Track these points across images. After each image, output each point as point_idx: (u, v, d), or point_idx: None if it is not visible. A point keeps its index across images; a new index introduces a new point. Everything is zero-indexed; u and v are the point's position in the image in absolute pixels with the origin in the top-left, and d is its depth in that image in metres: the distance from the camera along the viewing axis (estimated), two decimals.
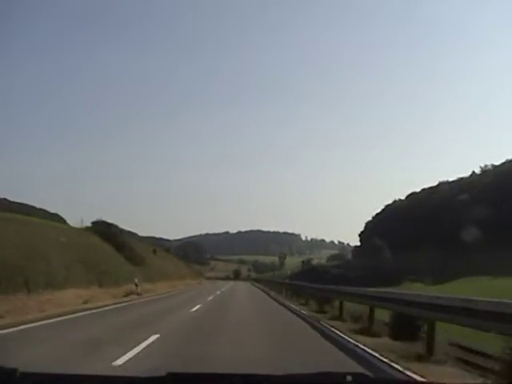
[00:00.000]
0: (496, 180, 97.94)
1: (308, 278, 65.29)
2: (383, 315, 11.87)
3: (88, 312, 17.36)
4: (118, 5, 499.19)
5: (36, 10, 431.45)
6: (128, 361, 7.32)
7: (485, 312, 6.39)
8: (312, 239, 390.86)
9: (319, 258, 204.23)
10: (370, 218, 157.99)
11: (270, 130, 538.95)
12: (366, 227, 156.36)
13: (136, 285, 28.28)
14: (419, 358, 8.00)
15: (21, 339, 10.15)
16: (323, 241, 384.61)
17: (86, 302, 20.57)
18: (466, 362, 7.87)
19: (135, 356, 7.80)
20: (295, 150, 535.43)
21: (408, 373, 6.85)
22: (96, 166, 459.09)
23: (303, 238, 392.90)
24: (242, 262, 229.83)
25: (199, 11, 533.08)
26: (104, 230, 35.26)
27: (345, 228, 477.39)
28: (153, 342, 9.44)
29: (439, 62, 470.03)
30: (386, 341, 10.20)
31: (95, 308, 19.18)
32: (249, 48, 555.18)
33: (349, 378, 2.07)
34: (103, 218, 39.96)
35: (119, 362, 7.22)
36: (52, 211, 56.10)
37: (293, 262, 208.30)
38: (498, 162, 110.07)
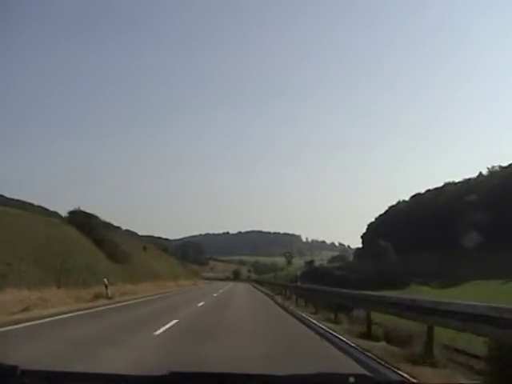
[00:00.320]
0: (504, 181, 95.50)
1: (311, 280, 62.59)
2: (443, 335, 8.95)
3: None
4: (117, 4, 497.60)
5: (35, 10, 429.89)
6: None
7: None
8: (313, 240, 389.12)
9: (320, 260, 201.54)
10: (373, 220, 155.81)
11: (270, 130, 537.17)
12: (368, 229, 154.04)
13: (106, 286, 23.79)
14: None
15: None
16: (324, 242, 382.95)
17: (25, 310, 15.51)
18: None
19: None
20: (296, 150, 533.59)
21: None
22: (96, 165, 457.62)
23: (304, 239, 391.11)
24: (241, 262, 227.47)
25: (200, 10, 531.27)
26: (82, 222, 30.53)
27: (346, 230, 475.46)
28: None
29: (442, 62, 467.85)
30: None
31: (27, 321, 13.07)
32: (249, 47, 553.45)
33: (351, 379, 2.00)
34: (83, 208, 34.60)
35: None
36: (51, 209, 54.27)
37: (294, 263, 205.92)
38: (505, 163, 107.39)
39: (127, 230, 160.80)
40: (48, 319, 13.99)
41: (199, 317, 16.97)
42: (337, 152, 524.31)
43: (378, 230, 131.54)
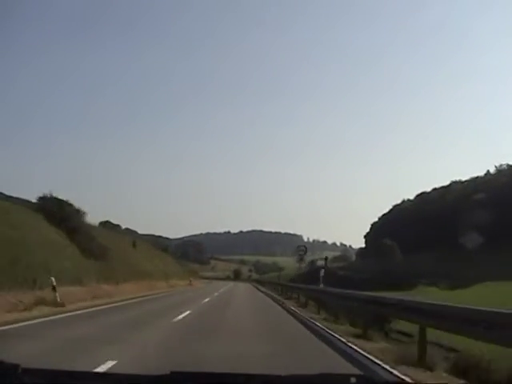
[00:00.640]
0: None
1: (315, 281, 59.85)
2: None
3: None
4: (117, 4, 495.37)
5: (36, 10, 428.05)
6: None
7: None
8: (314, 240, 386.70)
9: (322, 260, 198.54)
10: (376, 219, 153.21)
11: (271, 130, 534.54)
12: (371, 228, 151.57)
13: (53, 288, 16.90)
14: None
15: None
16: (325, 242, 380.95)
17: None
18: None
19: None
20: (297, 150, 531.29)
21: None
22: (96, 165, 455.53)
23: (305, 239, 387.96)
24: (242, 262, 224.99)
25: (199, 10, 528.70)
26: (53, 209, 25.72)
27: (347, 229, 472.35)
28: None
29: (443, 61, 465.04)
30: None
31: None
32: (249, 47, 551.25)
33: (353, 379, 2.01)
34: (55, 194, 28.88)
35: None
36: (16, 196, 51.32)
37: (294, 263, 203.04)
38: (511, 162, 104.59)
39: (127, 229, 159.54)
40: None
41: (165, 347, 9.10)
42: (338, 151, 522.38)
43: (382, 230, 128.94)
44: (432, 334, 8.29)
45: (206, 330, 12.38)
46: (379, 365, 7.69)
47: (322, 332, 12.46)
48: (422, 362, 7.56)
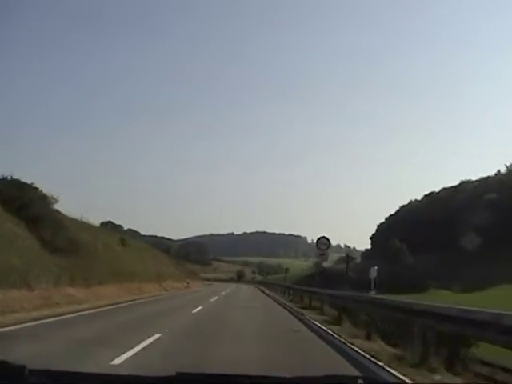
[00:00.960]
0: None
1: (321, 283, 56.80)
2: None
3: None
4: (122, 3, 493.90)
5: (41, 8, 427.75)
6: None
7: None
8: None
9: (326, 261, 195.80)
10: (383, 220, 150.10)
11: (276, 131, 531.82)
12: (377, 229, 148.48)
13: None
14: None
15: None
16: None
17: None
18: None
19: None
20: (302, 151, 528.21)
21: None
22: (100, 165, 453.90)
23: (309, 241, 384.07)
24: (246, 263, 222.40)
25: (206, 10, 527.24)
26: (11, 193, 21.38)
27: (351, 231, 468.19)
28: None
29: (450, 61, 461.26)
30: None
31: None
32: (254, 49, 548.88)
33: (360, 381, 1.97)
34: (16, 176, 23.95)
35: None
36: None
37: (299, 264, 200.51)
38: None
39: (130, 229, 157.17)
40: None
41: None
42: (342, 153, 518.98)
43: (389, 231, 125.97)
44: None
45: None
46: None
47: None
48: None
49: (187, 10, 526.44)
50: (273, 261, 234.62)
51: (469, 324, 6.05)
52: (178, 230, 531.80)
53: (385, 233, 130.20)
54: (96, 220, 47.39)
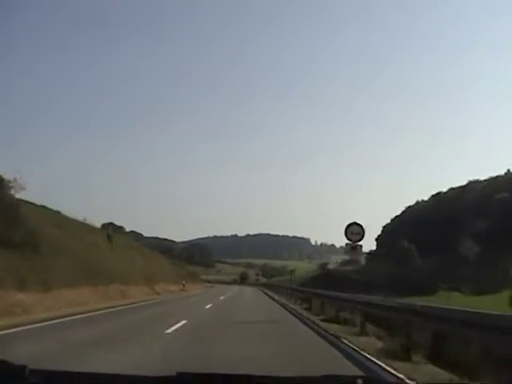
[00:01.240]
0: None
1: (328, 285, 54.99)
2: None
3: None
4: (128, 4, 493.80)
5: (45, 9, 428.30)
6: None
7: None
8: (322, 244, 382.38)
9: (335, 263, 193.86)
10: (388, 221, 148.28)
11: (280, 133, 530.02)
12: (383, 230, 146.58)
13: None
14: None
15: None
16: (333, 245, 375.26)
17: None
18: None
19: None
20: (305, 153, 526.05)
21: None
22: (103, 167, 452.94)
23: (312, 243, 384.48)
24: (250, 265, 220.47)
25: (211, 11, 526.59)
26: None
27: None
28: None
29: (458, 59, 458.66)
30: None
31: None
32: (259, 50, 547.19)
33: (359, 381, 1.97)
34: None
35: None
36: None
37: (303, 266, 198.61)
38: None
39: (132, 231, 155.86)
40: None
41: None
42: (347, 155, 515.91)
43: (394, 232, 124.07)
44: None
45: None
46: None
47: None
48: None
49: (191, 12, 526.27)
50: (277, 263, 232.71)
51: None
52: (181, 232, 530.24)
53: (390, 234, 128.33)
54: (98, 221, 45.38)
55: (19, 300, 14.65)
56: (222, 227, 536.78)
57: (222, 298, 34.48)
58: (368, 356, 8.76)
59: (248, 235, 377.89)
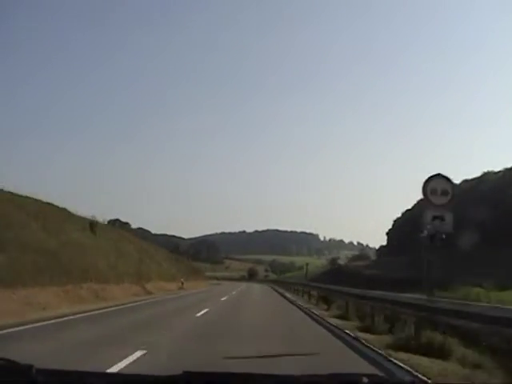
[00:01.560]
0: None
1: (340, 281, 51.76)
2: None
3: None
4: (134, 4, 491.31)
5: (48, 10, 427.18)
6: None
7: None
8: (331, 239, 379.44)
9: (345, 258, 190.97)
10: (399, 215, 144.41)
11: (288, 128, 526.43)
12: (394, 225, 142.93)
13: None
14: None
15: None
16: (342, 241, 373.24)
17: None
18: None
19: None
20: (313, 149, 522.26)
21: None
22: (112, 164, 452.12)
23: (321, 239, 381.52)
24: (258, 261, 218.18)
25: (216, 9, 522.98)
26: None
27: (364, 228, 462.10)
28: None
29: (468, 55, 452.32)
30: None
31: None
32: (267, 47, 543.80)
33: (365, 379, 1.97)
34: None
35: None
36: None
37: (313, 262, 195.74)
38: None
39: (140, 228, 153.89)
40: None
41: None
42: (355, 150, 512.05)
43: (406, 226, 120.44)
44: None
45: None
46: None
47: None
48: None
49: (198, 10, 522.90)
50: (285, 259, 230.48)
51: None
52: (189, 228, 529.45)
53: (402, 228, 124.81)
54: (105, 218, 41.58)
55: None
56: (230, 223, 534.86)
57: (223, 298, 27.94)
58: None
59: (256, 231, 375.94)
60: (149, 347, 8.18)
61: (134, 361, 7.14)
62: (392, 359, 8.04)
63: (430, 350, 8.35)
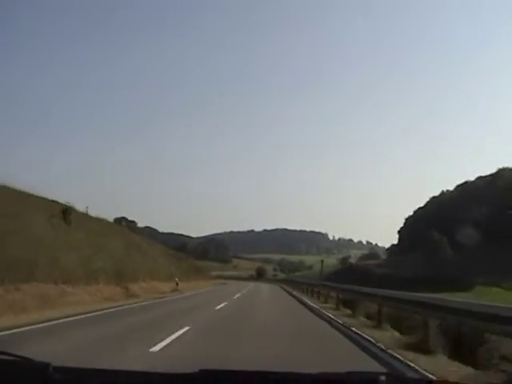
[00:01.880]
0: None
1: (352, 280, 49.77)
2: None
3: None
4: (136, 5, 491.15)
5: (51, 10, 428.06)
6: None
7: None
8: (340, 238, 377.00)
9: (356, 257, 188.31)
10: (411, 213, 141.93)
11: (296, 128, 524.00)
12: (405, 223, 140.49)
13: None
14: None
15: None
16: (351, 240, 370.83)
17: None
18: None
19: None
20: (322, 148, 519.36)
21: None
22: (120, 163, 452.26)
23: (330, 238, 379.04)
24: (267, 260, 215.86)
25: (219, 11, 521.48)
26: None
27: (373, 227, 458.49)
28: None
29: (475, 55, 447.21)
30: None
31: None
32: (269, 47, 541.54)
33: (382, 377, 1.89)
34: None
35: None
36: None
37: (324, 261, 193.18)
38: None
39: (147, 227, 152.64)
40: None
41: None
42: (363, 149, 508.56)
43: (417, 224, 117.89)
44: None
45: None
46: None
47: None
48: None
49: (201, 11, 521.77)
50: (294, 258, 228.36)
51: None
52: (197, 227, 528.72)
53: (413, 226, 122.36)
54: (111, 216, 39.05)
55: None
56: (238, 222, 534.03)
57: (221, 305, 19.88)
58: None
59: (265, 230, 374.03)
60: None
61: None
62: None
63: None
